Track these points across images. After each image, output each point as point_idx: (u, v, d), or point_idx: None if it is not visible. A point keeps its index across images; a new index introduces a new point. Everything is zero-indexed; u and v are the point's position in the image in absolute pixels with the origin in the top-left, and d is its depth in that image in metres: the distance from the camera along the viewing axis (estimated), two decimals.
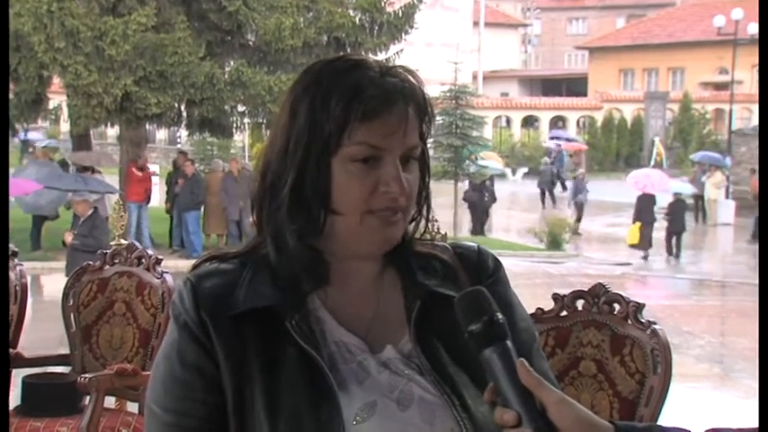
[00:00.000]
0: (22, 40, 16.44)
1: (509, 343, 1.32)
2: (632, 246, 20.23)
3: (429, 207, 1.54)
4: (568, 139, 38.20)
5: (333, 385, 1.41)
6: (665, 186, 21.39)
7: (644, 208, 20.40)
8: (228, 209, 18.06)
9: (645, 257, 19.95)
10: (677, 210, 20.66)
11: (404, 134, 1.44)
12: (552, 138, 38.22)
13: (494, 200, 23.52)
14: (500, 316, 1.33)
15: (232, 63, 18.23)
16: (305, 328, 1.45)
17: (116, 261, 3.89)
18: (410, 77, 1.48)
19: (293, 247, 1.46)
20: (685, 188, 22.93)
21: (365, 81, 1.43)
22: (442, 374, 1.46)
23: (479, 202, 22.43)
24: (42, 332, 7.97)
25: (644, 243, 19.95)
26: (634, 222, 20.39)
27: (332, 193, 1.44)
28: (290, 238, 1.46)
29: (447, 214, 19.08)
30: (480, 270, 1.57)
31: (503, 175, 35.59)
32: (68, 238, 10.92)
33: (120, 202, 10.28)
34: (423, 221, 1.54)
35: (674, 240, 20.46)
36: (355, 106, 1.41)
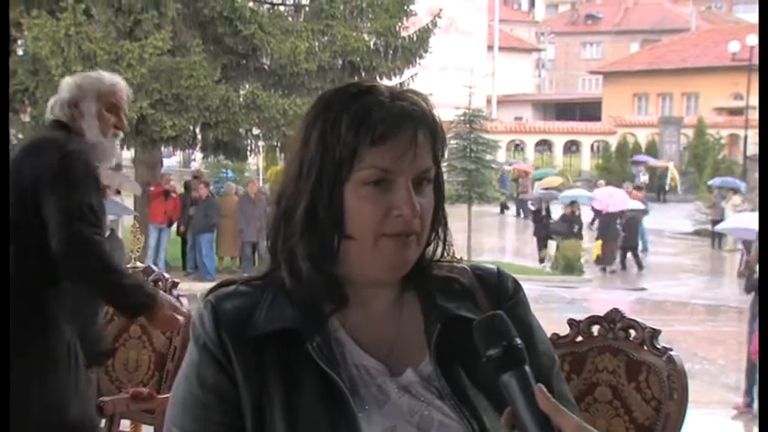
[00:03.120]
0: (40, 63, 16.57)
1: (527, 368, 1.32)
2: (596, 261, 21.83)
3: (446, 230, 1.55)
4: (641, 162, 37.68)
5: (353, 409, 1.42)
6: (625, 204, 22.70)
7: (607, 225, 22.17)
8: (245, 231, 18.10)
9: (603, 269, 21.59)
10: (632, 226, 22.08)
11: (414, 157, 1.45)
12: (635, 161, 37.84)
13: (581, 236, 21.62)
14: (519, 341, 1.33)
15: (247, 86, 18.32)
16: (325, 350, 1.45)
17: None
18: (420, 101, 1.49)
19: (308, 273, 1.46)
20: (637, 205, 23.74)
21: (374, 105, 1.44)
22: (461, 398, 1.46)
23: (569, 235, 21.11)
24: None
25: (604, 259, 21.63)
26: (597, 240, 22.16)
27: (345, 217, 1.44)
28: (304, 264, 1.46)
29: (461, 238, 19.08)
30: (500, 292, 1.58)
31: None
32: None
33: (137, 225, 10.33)
34: (440, 244, 1.55)
35: (629, 255, 21.96)
36: (364, 130, 1.42)
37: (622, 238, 21.99)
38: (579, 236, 21.50)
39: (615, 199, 22.99)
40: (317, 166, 1.45)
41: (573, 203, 22.29)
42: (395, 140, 1.43)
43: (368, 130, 1.43)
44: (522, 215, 31.64)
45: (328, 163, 1.44)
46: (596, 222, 23.98)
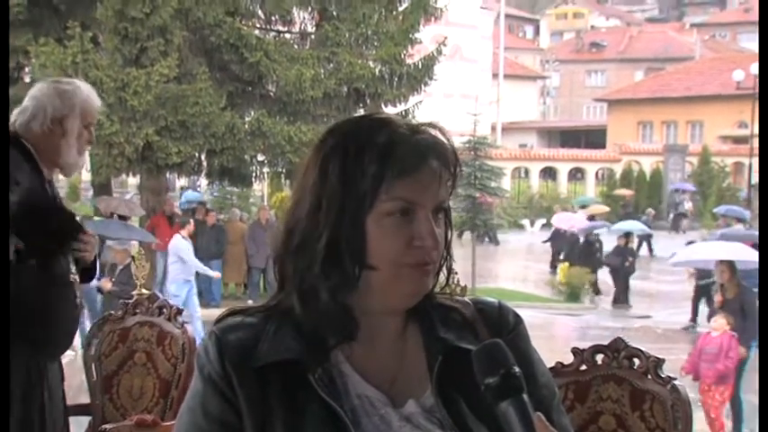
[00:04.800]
0: None
1: (525, 396, 1.33)
2: (562, 283, 21.79)
3: (450, 261, 1.57)
4: (684, 191, 37.61)
5: None
6: (584, 226, 23.15)
7: (573, 248, 22.61)
8: (255, 257, 18.08)
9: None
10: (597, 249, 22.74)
11: (437, 189, 1.48)
12: (676, 189, 37.74)
13: (633, 269, 20.59)
14: (517, 369, 1.35)
15: (252, 113, 18.35)
16: (327, 381, 1.47)
17: (137, 311, 3.91)
18: (438, 134, 1.52)
19: (325, 303, 1.48)
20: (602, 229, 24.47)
21: (397, 139, 1.47)
22: (463, 429, 1.48)
23: (621, 268, 20.31)
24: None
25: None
26: (563, 262, 22.55)
27: (367, 248, 1.46)
28: (324, 294, 1.48)
29: (465, 265, 19.06)
30: (501, 325, 1.59)
31: (521, 226, 35.57)
32: (107, 285, 10.87)
33: (142, 251, 10.37)
34: (444, 275, 1.57)
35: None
36: (390, 164, 1.45)
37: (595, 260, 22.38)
38: (632, 269, 20.69)
39: (576, 222, 23.52)
40: (338, 199, 1.47)
41: (628, 235, 21.52)
42: (420, 173, 1.46)
43: (393, 163, 1.45)
44: (484, 240, 31.42)
45: (351, 195, 1.46)
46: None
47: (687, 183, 38.57)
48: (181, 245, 14.24)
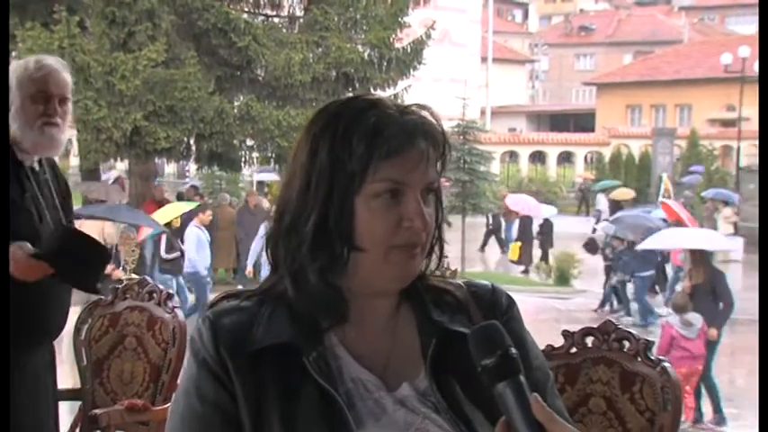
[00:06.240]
0: None
1: (522, 378, 1.33)
2: (513, 261, 23.05)
3: (442, 242, 1.56)
4: (701, 174, 37.63)
5: (350, 422, 1.43)
6: (538, 211, 24.00)
7: (525, 229, 23.45)
8: (243, 242, 18.04)
9: (525, 271, 22.48)
10: (547, 230, 23.66)
11: (425, 169, 1.48)
12: (691, 172, 37.72)
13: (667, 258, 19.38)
14: (514, 350, 1.34)
15: (241, 98, 18.31)
16: (322, 364, 1.47)
17: (127, 296, 3.91)
18: (427, 114, 1.52)
19: (314, 285, 1.48)
20: (552, 211, 25.23)
21: (385, 119, 1.47)
22: (457, 412, 1.47)
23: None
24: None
25: (523, 259, 22.69)
26: (516, 241, 23.32)
27: (355, 229, 1.46)
28: (312, 275, 1.47)
29: (455, 249, 19.05)
30: (494, 308, 1.59)
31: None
32: (119, 273, 10.64)
33: (132, 236, 10.32)
34: (436, 257, 1.56)
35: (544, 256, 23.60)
36: (378, 144, 1.45)
37: (540, 241, 23.34)
38: (667, 259, 19.87)
39: (530, 204, 24.10)
40: (327, 179, 1.46)
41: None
42: (408, 154, 1.46)
43: (381, 143, 1.45)
44: None
45: (339, 175, 1.46)
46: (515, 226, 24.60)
47: (699, 165, 38.48)
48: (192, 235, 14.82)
